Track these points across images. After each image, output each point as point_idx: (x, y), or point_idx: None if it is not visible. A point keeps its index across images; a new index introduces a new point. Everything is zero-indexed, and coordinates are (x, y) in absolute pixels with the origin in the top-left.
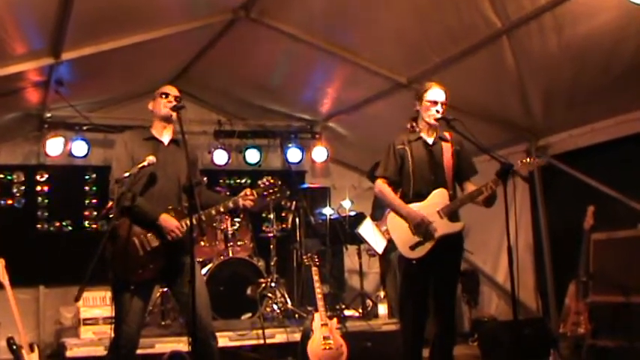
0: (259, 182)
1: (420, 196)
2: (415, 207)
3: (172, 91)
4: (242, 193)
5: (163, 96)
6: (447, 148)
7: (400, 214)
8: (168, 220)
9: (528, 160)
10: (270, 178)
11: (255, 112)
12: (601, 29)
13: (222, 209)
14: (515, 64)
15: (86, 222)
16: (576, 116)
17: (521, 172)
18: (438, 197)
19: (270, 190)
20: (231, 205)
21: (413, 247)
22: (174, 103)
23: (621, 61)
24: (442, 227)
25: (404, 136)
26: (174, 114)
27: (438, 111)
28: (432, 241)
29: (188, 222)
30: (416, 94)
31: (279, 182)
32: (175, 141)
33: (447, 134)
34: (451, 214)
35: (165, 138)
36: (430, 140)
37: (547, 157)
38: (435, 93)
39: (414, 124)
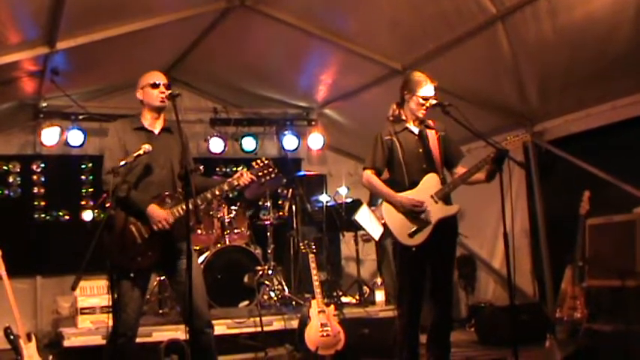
0: (253, 163)
1: (415, 185)
2: (408, 194)
3: (161, 79)
4: (237, 175)
5: (155, 86)
6: (432, 135)
7: (392, 202)
8: (155, 211)
9: (509, 137)
10: (264, 158)
11: (251, 100)
12: (596, 14)
13: (217, 192)
14: (510, 50)
15: (83, 211)
16: (572, 101)
17: (514, 157)
18: (430, 182)
19: (265, 171)
20: (226, 187)
21: (412, 235)
22: (168, 92)
23: (616, 46)
24: (438, 211)
25: (390, 127)
26: (166, 103)
27: (430, 104)
28: (429, 227)
29: (184, 207)
30: (405, 83)
31: (273, 164)
32: (167, 129)
33: (430, 121)
34: (445, 198)
35: (157, 127)
36: (416, 130)
37: (543, 142)
38: (428, 90)
39: (400, 110)
